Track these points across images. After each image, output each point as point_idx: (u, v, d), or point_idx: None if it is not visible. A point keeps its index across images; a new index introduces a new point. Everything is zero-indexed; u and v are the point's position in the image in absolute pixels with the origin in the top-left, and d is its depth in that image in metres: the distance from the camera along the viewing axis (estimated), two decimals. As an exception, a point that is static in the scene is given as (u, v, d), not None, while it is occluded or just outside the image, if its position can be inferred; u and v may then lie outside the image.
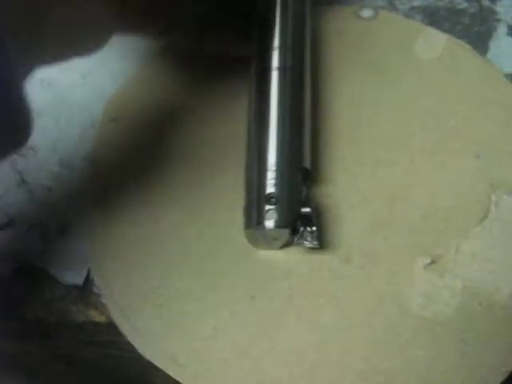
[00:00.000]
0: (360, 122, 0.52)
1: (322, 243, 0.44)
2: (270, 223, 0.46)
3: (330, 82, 0.54)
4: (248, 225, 0.48)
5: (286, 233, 0.46)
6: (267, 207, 0.47)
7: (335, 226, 0.48)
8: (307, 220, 0.47)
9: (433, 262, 0.44)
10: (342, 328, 0.42)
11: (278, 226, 0.46)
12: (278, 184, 0.47)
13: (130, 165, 0.51)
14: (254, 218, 0.48)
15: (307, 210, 0.47)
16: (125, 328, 0.44)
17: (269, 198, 0.47)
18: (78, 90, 0.55)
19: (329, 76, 0.54)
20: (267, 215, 0.47)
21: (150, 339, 0.43)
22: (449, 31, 0.56)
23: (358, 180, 0.49)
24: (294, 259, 0.47)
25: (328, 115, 0.53)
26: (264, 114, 0.49)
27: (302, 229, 0.46)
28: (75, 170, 0.51)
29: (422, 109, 0.52)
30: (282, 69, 0.49)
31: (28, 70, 0.31)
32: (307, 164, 0.49)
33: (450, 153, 0.49)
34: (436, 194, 0.47)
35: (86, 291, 0.46)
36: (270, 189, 0.47)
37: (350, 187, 0.49)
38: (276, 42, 0.49)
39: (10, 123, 0.30)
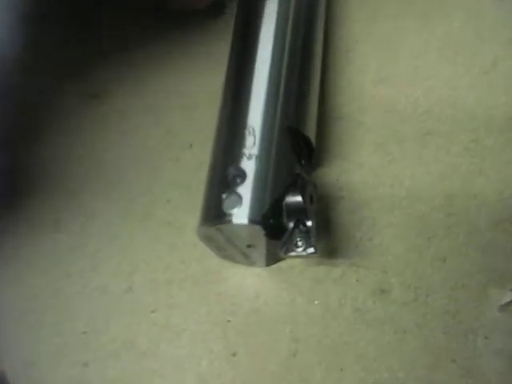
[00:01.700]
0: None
1: (317, 249, 0.28)
2: (234, 215, 0.28)
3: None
4: (200, 220, 0.30)
5: (259, 232, 0.28)
6: (228, 190, 0.29)
7: (356, 233, 0.33)
8: (299, 213, 0.29)
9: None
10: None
11: (247, 219, 0.28)
12: (250, 154, 0.29)
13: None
14: (207, 209, 0.29)
15: (297, 198, 0.29)
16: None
17: (233, 177, 0.29)
18: None
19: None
20: (227, 203, 0.28)
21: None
22: None
23: (396, 163, 0.35)
24: (290, 286, 0.32)
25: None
26: (249, 59, 0.33)
27: (291, 228, 0.29)
28: None
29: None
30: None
31: None
32: (310, 134, 0.32)
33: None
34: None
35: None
36: (236, 162, 0.29)
37: (381, 172, 0.35)
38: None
39: None
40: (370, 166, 0.35)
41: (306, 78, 0.34)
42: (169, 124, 0.39)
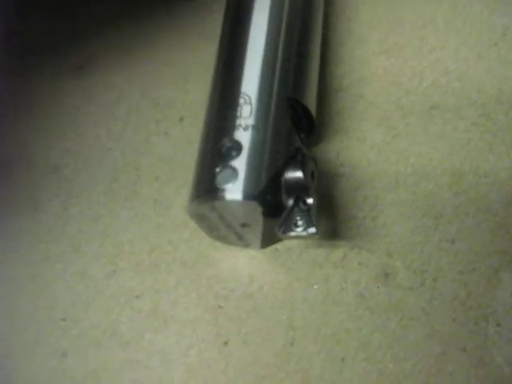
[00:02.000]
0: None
1: (318, 229, 0.26)
2: (228, 190, 0.26)
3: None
4: (191, 197, 0.28)
5: (255, 209, 0.26)
6: (222, 164, 0.26)
7: (358, 212, 0.31)
8: (299, 190, 0.27)
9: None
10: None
11: (242, 195, 0.26)
12: (246, 125, 0.27)
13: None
14: (199, 184, 0.27)
15: (298, 173, 0.27)
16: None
17: (227, 149, 0.27)
18: None
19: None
20: (221, 177, 0.26)
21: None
22: None
23: (400, 139, 0.33)
24: (287, 270, 0.30)
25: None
26: (244, 27, 0.31)
27: (290, 205, 0.27)
28: None
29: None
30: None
31: None
32: (310, 105, 0.30)
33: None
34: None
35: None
36: (231, 133, 0.27)
37: (385, 148, 0.33)
38: None
39: None
40: (372, 141, 0.33)
41: (305, 47, 0.32)
42: (157, 96, 0.37)
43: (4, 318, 0.31)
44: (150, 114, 0.37)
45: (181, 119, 0.36)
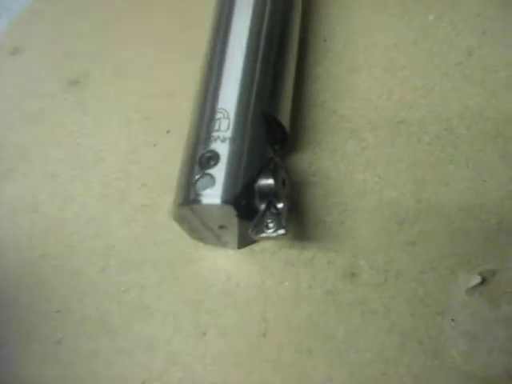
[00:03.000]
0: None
1: (288, 230, 0.29)
2: (203, 196, 0.28)
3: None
4: (174, 201, 0.30)
5: (231, 213, 0.29)
6: (202, 171, 0.29)
7: (327, 217, 0.34)
8: (270, 195, 0.29)
9: (483, 282, 0.30)
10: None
11: (219, 199, 0.28)
12: (224, 137, 0.30)
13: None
14: (181, 189, 0.30)
15: (269, 181, 0.29)
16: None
17: (207, 159, 0.30)
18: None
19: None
20: (200, 183, 0.29)
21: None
22: None
23: (369, 150, 0.36)
24: (262, 268, 0.33)
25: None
26: (224, 46, 0.34)
27: (262, 209, 0.29)
28: None
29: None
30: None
31: None
32: (284, 120, 0.33)
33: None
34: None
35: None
36: (210, 145, 0.30)
37: (354, 159, 0.36)
38: None
39: None
40: (343, 152, 0.35)
41: (281, 65, 0.34)
42: (147, 110, 0.40)
43: (3, 309, 0.33)
44: (140, 126, 0.39)
45: (167, 131, 0.38)
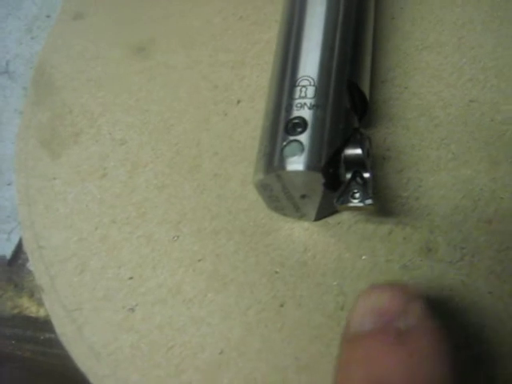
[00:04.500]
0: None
1: (375, 200, 0.28)
2: (291, 162, 0.28)
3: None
4: (258, 168, 0.29)
5: (317, 181, 0.28)
6: (289, 138, 0.28)
7: (403, 193, 0.33)
8: (356, 165, 0.29)
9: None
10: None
11: (308, 166, 0.28)
12: (311, 104, 0.29)
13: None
14: (266, 156, 0.29)
15: (357, 150, 0.28)
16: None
17: (293, 125, 0.29)
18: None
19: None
20: (288, 150, 0.28)
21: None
22: None
23: (441, 128, 0.35)
24: (338, 241, 0.32)
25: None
26: (303, 19, 0.33)
27: (347, 178, 0.28)
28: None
29: None
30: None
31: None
32: (365, 90, 0.32)
33: None
34: None
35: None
36: (297, 111, 0.29)
37: (427, 135, 0.35)
38: None
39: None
40: (415, 129, 0.35)
41: (360, 36, 0.33)
42: (216, 79, 0.39)
43: (74, 275, 0.33)
44: (209, 96, 0.38)
45: (238, 101, 0.38)
